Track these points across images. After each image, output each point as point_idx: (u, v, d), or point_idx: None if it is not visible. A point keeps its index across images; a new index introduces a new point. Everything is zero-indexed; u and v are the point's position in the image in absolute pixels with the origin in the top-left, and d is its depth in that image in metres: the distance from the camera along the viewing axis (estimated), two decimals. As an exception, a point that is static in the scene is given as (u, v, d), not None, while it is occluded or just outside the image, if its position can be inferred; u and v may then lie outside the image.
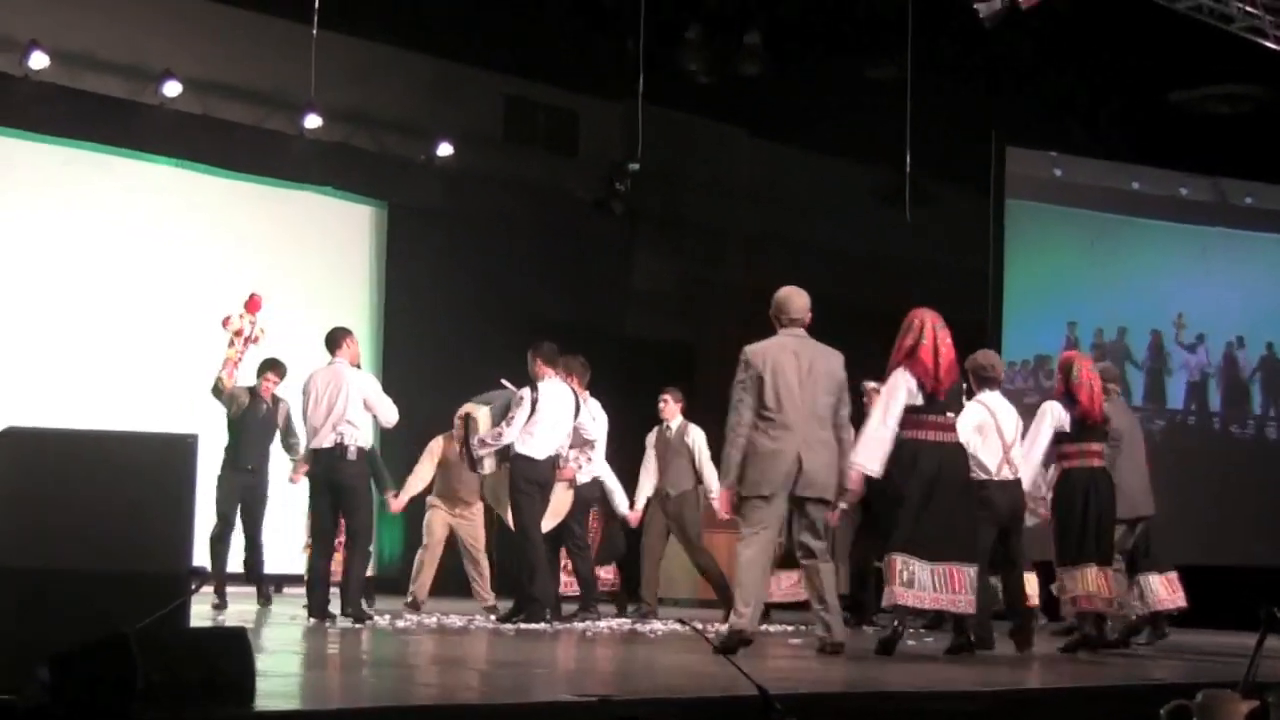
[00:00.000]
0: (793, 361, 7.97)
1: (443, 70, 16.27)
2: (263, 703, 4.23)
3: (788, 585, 11.75)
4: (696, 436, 12.08)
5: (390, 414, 10.39)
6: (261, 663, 4.43)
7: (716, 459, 11.51)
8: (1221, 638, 10.65)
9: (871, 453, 8.22)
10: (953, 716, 5.56)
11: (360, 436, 10.14)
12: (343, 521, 10.23)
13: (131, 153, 14.47)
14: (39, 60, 13.47)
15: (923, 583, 8.17)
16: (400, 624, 9.96)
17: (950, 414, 8.51)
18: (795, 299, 8.17)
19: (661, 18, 14.75)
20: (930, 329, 8.40)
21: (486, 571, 11.90)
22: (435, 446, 11.79)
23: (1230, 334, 17.60)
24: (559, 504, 10.77)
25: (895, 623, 8.40)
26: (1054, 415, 9.29)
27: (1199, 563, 15.56)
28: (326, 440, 10.00)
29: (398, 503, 11.83)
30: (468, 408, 10.78)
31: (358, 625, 9.64)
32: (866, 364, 9.68)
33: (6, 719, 4.01)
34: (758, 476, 7.92)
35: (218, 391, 11.32)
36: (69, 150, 14.14)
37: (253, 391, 11.43)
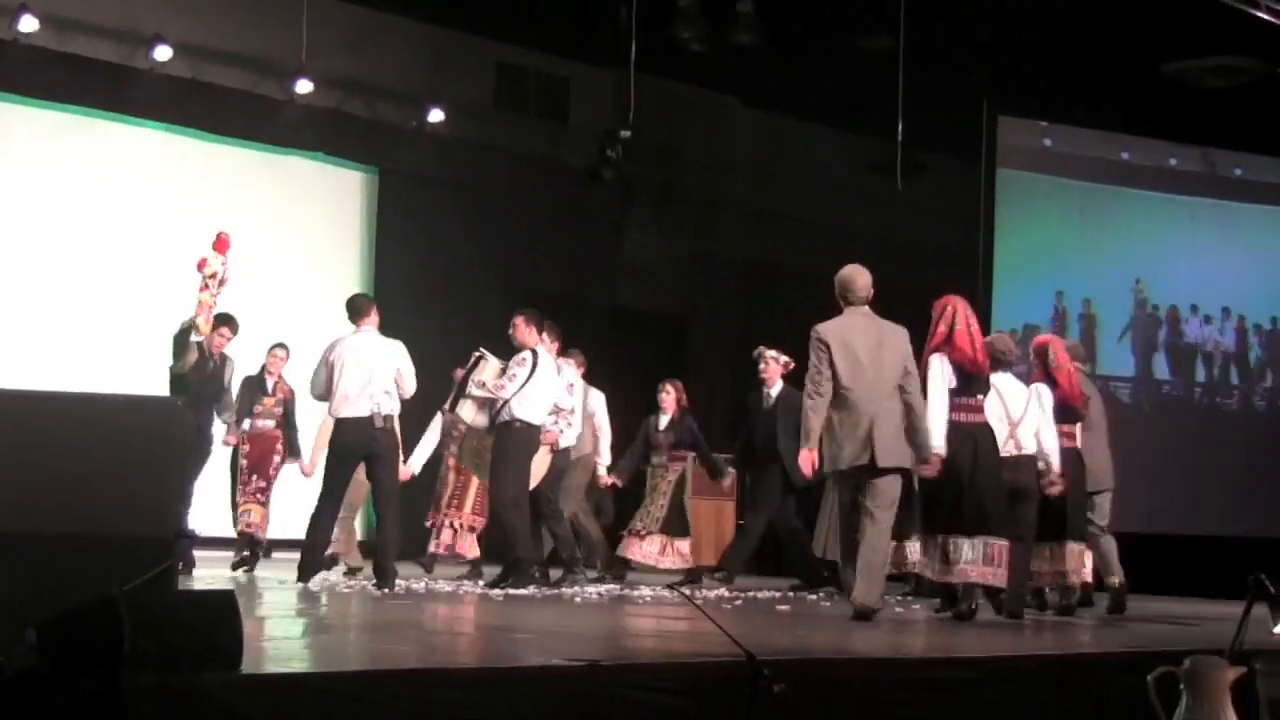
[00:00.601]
0: (861, 339, 8.35)
1: (434, 36, 16.19)
2: (250, 666, 4.23)
3: (651, 551, 11.93)
4: (596, 402, 12.09)
5: (413, 385, 10.37)
6: (250, 626, 4.42)
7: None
8: (1207, 606, 10.67)
9: (940, 433, 8.46)
10: (945, 683, 5.58)
11: (395, 406, 10.14)
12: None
13: (122, 117, 14.40)
14: (29, 24, 13.39)
15: (968, 557, 8.45)
16: (388, 589, 9.96)
17: (980, 396, 8.73)
18: (858, 278, 8.56)
19: (655, -15, 14.69)
20: (963, 315, 8.70)
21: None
22: None
23: (1216, 306, 17.60)
24: (537, 468, 10.80)
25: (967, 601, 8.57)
26: (1046, 396, 9.41)
27: (1204, 533, 15.71)
28: (362, 409, 9.96)
29: (405, 471, 11.52)
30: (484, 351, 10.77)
31: (386, 590, 9.66)
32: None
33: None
34: (836, 451, 8.29)
35: (183, 338, 10.75)
36: (58, 115, 14.09)
37: (200, 346, 10.91)
